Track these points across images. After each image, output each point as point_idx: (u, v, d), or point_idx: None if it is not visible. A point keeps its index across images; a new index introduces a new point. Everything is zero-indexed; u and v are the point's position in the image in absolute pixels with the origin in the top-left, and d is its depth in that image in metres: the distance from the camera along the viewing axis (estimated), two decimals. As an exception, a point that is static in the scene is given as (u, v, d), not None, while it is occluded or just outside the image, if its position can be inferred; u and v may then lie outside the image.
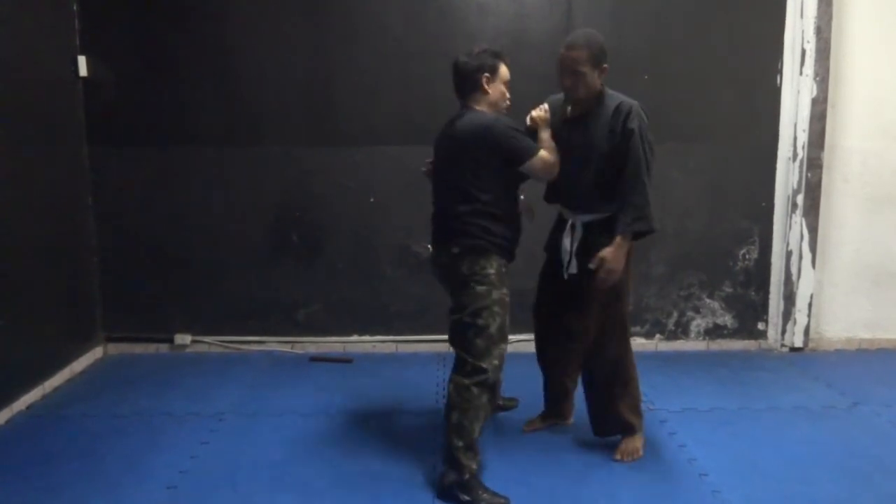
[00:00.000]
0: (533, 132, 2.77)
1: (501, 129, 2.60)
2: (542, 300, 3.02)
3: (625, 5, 3.93)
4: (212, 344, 4.18)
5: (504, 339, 2.65)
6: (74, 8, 3.86)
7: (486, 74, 2.68)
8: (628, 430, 2.89)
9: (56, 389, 3.61)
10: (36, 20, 3.57)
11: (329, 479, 2.72)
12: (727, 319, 4.23)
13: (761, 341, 4.25)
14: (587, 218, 2.75)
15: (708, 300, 4.21)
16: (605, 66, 2.66)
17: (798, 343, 4.14)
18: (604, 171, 2.67)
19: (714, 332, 4.25)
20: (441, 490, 2.60)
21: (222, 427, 3.18)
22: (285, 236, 4.11)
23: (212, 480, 2.72)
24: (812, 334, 4.17)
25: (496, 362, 2.60)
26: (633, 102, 2.65)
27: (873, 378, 3.75)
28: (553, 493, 2.62)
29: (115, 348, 4.16)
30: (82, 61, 3.88)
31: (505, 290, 2.67)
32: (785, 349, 4.18)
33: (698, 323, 4.24)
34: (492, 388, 2.62)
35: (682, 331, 4.24)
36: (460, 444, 2.56)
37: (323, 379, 3.75)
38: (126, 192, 4.04)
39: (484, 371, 2.57)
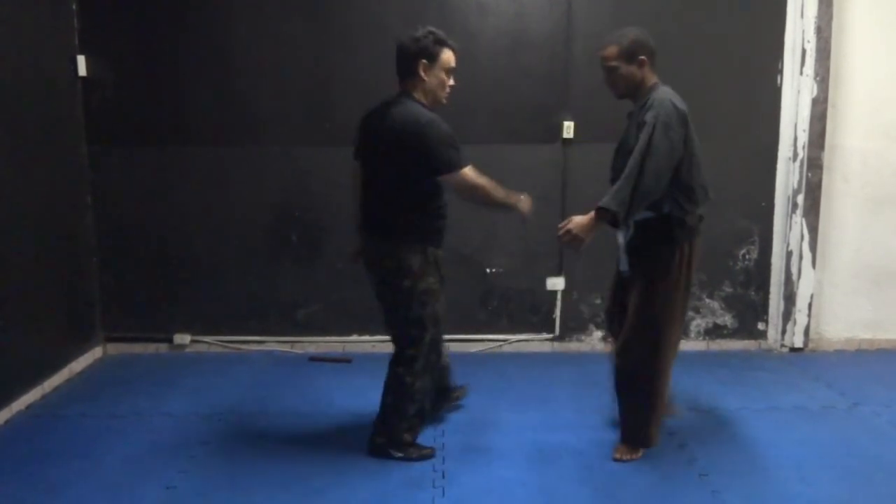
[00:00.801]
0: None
1: (435, 134, 2.55)
2: (609, 296, 3.05)
3: (625, 5, 3.93)
4: (211, 344, 4.18)
5: (435, 324, 2.78)
6: (74, 7, 3.86)
7: (424, 61, 2.62)
8: (643, 441, 2.84)
9: (55, 389, 3.61)
10: (35, 19, 3.56)
11: (329, 478, 2.72)
12: (727, 319, 4.23)
13: (761, 341, 4.25)
14: (637, 216, 2.66)
15: (708, 300, 4.20)
16: (642, 58, 2.67)
17: (798, 343, 4.14)
18: None
19: (714, 332, 4.24)
20: (372, 449, 2.87)
21: (222, 427, 3.18)
22: (285, 236, 4.10)
23: (211, 480, 2.72)
24: (812, 334, 4.17)
25: (425, 348, 2.78)
26: (664, 97, 2.59)
27: (873, 378, 3.75)
28: (552, 493, 2.62)
29: (114, 348, 4.15)
30: (81, 60, 3.88)
31: (431, 279, 2.73)
32: (785, 349, 4.18)
33: (698, 323, 4.23)
34: (423, 373, 2.82)
35: (682, 330, 4.23)
36: (397, 422, 2.83)
37: (322, 379, 3.75)
38: (125, 192, 4.04)
39: (415, 358, 2.77)
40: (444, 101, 2.74)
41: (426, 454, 2.87)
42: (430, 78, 2.64)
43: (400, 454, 2.84)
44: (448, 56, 2.68)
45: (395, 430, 2.84)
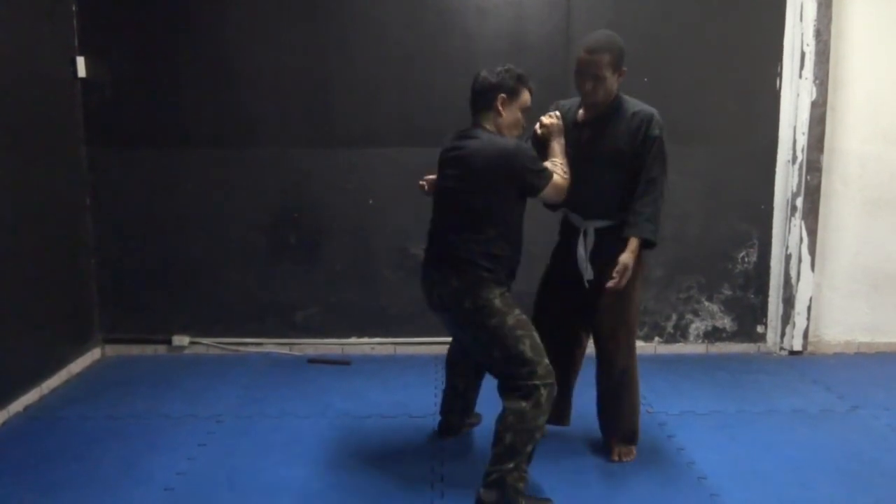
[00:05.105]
0: (543, 141, 2.70)
1: (524, 159, 2.49)
2: (545, 307, 2.90)
3: (624, 8, 3.93)
4: (210, 345, 4.17)
5: (543, 355, 2.51)
6: (73, 8, 3.86)
7: (503, 95, 2.55)
8: (630, 437, 2.88)
9: (53, 391, 3.60)
10: (35, 20, 3.56)
11: (327, 481, 2.71)
12: (726, 322, 4.23)
13: (760, 344, 4.25)
14: (600, 224, 2.70)
15: (707, 303, 4.20)
16: (624, 69, 2.62)
17: (797, 346, 4.14)
18: (621, 177, 2.64)
19: (713, 335, 4.24)
20: None
21: (220, 429, 3.18)
22: (283, 238, 4.10)
23: (209, 483, 2.71)
24: (811, 337, 4.17)
25: (548, 380, 2.49)
26: (653, 110, 2.63)
27: (872, 381, 3.75)
28: (552, 496, 2.61)
29: (112, 350, 4.15)
30: (81, 62, 3.87)
31: (517, 311, 2.54)
32: (784, 352, 4.18)
33: (697, 326, 4.23)
34: (548, 407, 2.50)
35: (681, 334, 4.23)
36: (510, 465, 2.43)
37: (321, 381, 3.74)
38: (124, 193, 4.04)
39: (537, 390, 2.46)
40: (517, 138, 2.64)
41: None
42: (507, 113, 2.57)
43: None
44: (527, 96, 2.61)
45: (506, 476, 2.42)
